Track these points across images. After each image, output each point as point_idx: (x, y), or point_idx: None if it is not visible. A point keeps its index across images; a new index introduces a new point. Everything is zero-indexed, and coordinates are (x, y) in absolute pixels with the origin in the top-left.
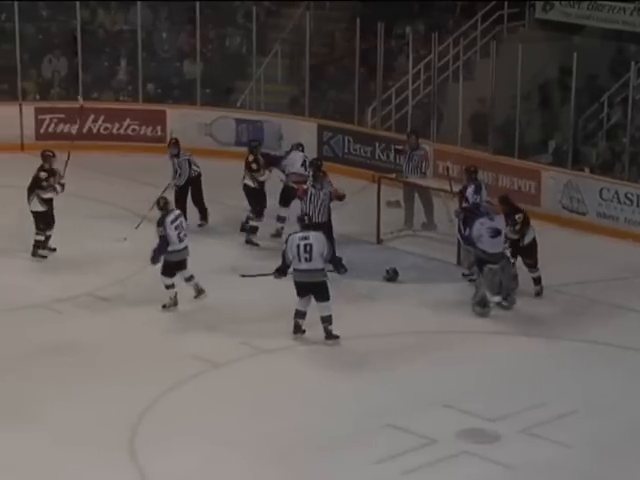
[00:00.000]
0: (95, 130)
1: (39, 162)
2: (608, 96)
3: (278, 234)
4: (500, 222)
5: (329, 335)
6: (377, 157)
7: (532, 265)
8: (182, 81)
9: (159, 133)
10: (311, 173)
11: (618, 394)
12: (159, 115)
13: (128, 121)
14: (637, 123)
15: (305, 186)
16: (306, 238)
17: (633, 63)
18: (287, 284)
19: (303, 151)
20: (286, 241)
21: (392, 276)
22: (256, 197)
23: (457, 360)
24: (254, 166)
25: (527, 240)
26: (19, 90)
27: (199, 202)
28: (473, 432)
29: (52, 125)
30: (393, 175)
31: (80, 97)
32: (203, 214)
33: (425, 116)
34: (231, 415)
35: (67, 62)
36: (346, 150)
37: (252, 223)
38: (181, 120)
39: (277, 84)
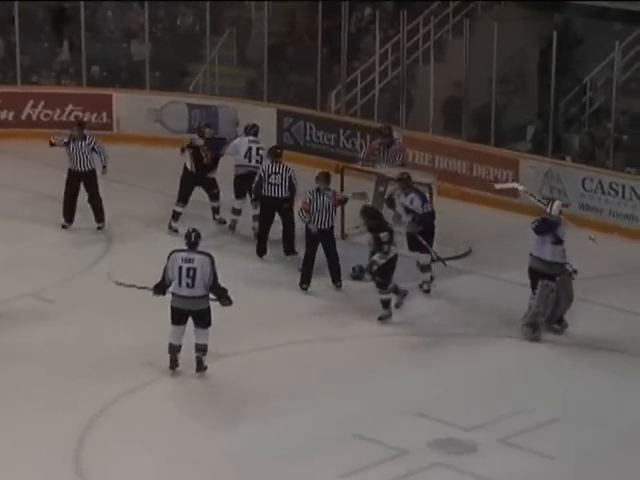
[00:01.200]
0: (35, 116)
1: None
2: (590, 78)
3: (232, 228)
4: (562, 230)
5: (200, 366)
6: (341, 145)
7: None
8: (130, 63)
9: (105, 120)
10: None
11: (604, 400)
12: (105, 100)
13: (71, 107)
14: (622, 107)
15: (307, 199)
16: (189, 261)
17: (617, 43)
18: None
19: (256, 135)
20: (168, 257)
21: (359, 274)
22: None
23: (431, 365)
24: (204, 156)
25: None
26: None
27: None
28: (447, 442)
29: None
30: (358, 164)
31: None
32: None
33: (393, 101)
34: (186, 425)
35: (3, 43)
36: (308, 137)
37: (176, 209)
38: (129, 105)
39: (233, 66)
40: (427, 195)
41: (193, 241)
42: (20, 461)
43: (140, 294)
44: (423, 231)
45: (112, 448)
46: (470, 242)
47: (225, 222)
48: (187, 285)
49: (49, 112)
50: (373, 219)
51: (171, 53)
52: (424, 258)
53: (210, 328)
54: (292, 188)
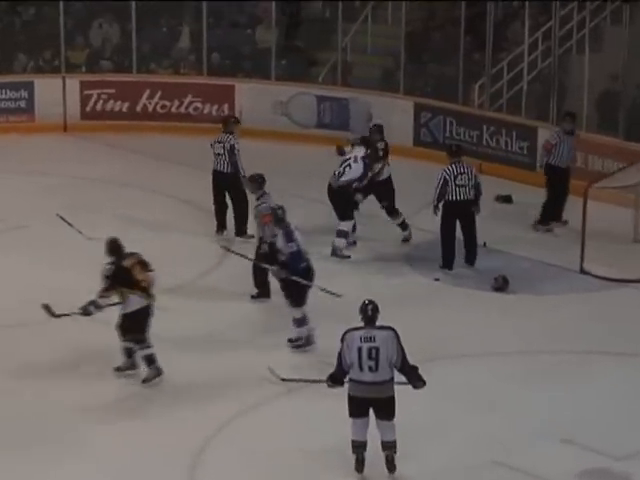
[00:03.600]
0: (150, 108)
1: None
2: None
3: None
4: None
5: (391, 466)
6: (484, 143)
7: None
8: (254, 51)
9: (226, 112)
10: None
11: None
12: (226, 91)
13: (190, 98)
14: None
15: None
16: (370, 339)
17: None
18: None
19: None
20: (342, 339)
21: (501, 285)
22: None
23: (576, 386)
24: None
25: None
26: (62, 61)
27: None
28: (597, 472)
29: (100, 102)
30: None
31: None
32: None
33: (543, 94)
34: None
35: (119, 28)
36: (447, 134)
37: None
38: (252, 97)
39: (366, 55)
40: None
41: (370, 315)
42: (137, 470)
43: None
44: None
45: (227, 467)
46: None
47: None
48: (370, 369)
49: (166, 103)
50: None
51: (299, 40)
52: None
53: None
54: (478, 189)
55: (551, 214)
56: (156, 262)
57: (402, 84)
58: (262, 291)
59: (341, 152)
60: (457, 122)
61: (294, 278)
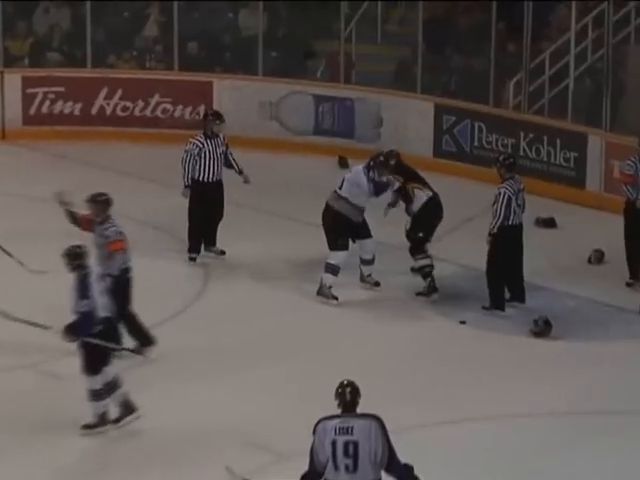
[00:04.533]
0: (109, 110)
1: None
2: None
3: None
4: None
5: None
6: (522, 152)
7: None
8: (237, 40)
9: (202, 116)
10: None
11: None
12: (203, 89)
13: (157, 98)
14: None
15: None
16: (347, 431)
17: None
18: None
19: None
20: (314, 430)
21: (542, 329)
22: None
23: (631, 454)
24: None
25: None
26: (0, 53)
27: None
28: None
29: (47, 103)
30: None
31: None
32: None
33: (594, 93)
34: None
35: (70, 13)
36: (476, 143)
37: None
38: (235, 97)
39: (376, 45)
40: None
41: (349, 400)
42: None
43: None
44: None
45: None
46: None
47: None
48: (346, 468)
49: (128, 104)
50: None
51: (293, 27)
52: None
53: None
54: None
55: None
56: None
57: (419, 81)
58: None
59: (343, 165)
60: (487, 128)
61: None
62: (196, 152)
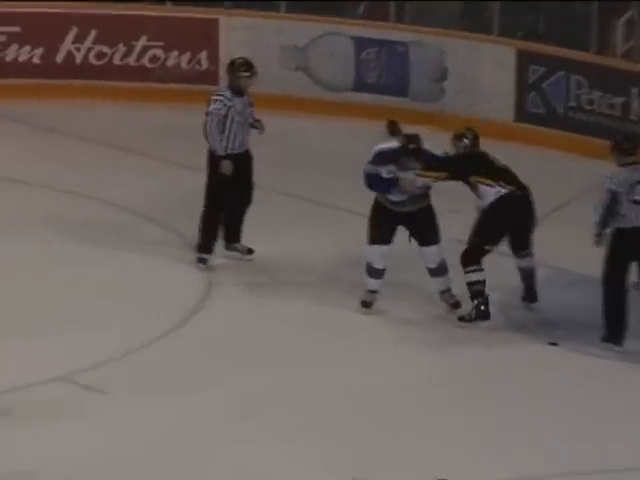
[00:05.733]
0: (79, 58)
1: None
2: None
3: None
4: None
5: None
6: (632, 115)
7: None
8: None
9: (205, 65)
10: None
11: None
12: (206, 28)
13: (144, 41)
14: None
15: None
16: None
17: None
18: None
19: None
20: None
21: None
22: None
23: None
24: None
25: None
26: None
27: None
28: None
29: None
30: None
31: None
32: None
33: None
34: None
35: None
36: (572, 102)
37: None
38: (249, 40)
39: None
40: None
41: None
42: None
43: None
44: None
45: None
46: None
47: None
48: None
49: (105, 50)
50: None
51: None
52: None
53: None
54: None
55: None
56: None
57: (496, 20)
58: None
59: (393, 132)
60: (589, 82)
61: None
62: (223, 113)
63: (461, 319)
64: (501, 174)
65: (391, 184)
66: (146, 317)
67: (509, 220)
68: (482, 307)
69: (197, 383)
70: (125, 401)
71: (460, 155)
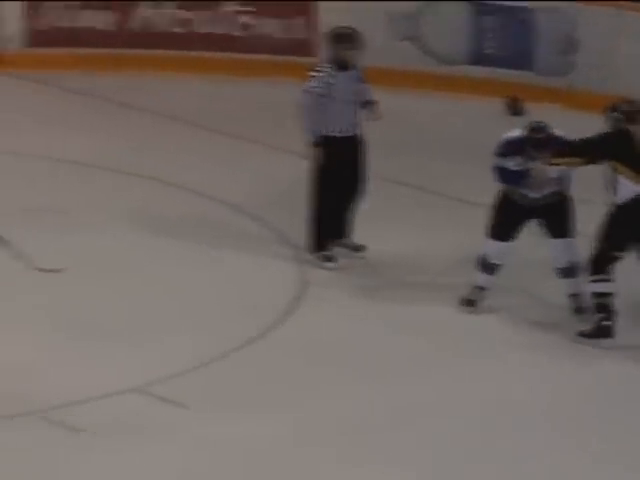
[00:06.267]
0: (155, 25)
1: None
2: None
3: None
4: None
5: None
6: None
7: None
8: None
9: (299, 34)
10: None
11: None
12: None
13: (232, 6)
14: None
15: None
16: None
17: None
18: None
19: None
20: None
21: None
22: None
23: None
24: None
25: None
26: None
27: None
28: None
29: (55, 13)
30: None
31: None
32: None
33: None
34: None
35: None
36: None
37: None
38: (348, 6)
39: None
40: None
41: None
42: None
43: None
44: None
45: None
46: None
47: None
48: None
49: (188, 16)
50: None
51: None
52: None
53: None
54: None
55: None
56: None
57: None
58: None
59: (516, 110)
60: None
61: None
62: (321, 92)
63: (581, 335)
64: None
65: (522, 176)
66: (234, 321)
67: None
68: (605, 323)
69: (289, 396)
70: (207, 415)
71: (600, 135)
